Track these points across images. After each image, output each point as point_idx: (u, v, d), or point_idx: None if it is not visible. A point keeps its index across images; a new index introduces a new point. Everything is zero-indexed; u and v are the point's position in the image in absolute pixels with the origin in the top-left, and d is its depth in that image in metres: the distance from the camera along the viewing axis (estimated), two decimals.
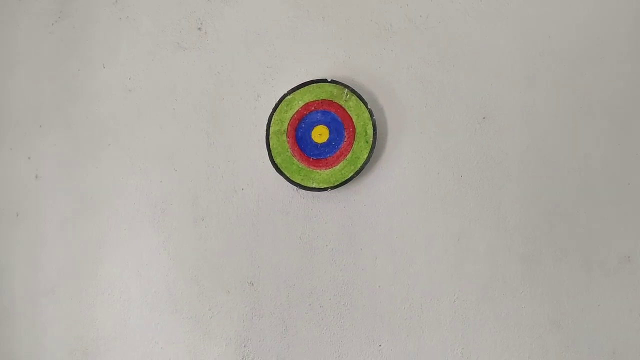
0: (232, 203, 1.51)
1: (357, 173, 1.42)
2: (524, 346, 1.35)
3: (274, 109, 1.47)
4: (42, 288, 1.61)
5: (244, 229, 1.50)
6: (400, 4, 1.45)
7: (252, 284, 1.49)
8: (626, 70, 1.34)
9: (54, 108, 1.64)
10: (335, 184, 1.43)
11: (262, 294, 1.48)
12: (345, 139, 1.44)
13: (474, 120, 1.40)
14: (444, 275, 1.39)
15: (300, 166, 1.46)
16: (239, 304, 1.49)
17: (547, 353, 1.34)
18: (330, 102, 1.45)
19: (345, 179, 1.43)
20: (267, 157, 1.47)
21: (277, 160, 1.47)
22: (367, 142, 1.42)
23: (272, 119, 1.47)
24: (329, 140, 1.45)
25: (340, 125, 1.44)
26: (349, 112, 1.43)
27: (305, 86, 1.45)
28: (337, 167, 1.44)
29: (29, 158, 1.65)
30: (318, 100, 1.45)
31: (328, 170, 1.44)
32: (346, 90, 1.43)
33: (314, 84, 1.45)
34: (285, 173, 1.46)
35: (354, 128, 1.43)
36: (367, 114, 1.42)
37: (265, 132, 1.48)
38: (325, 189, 1.44)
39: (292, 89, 1.46)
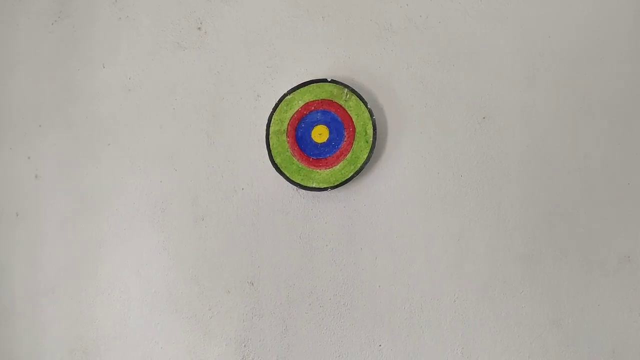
0: (232, 203, 1.51)
1: (357, 173, 1.42)
2: (524, 346, 1.35)
3: (274, 109, 1.47)
4: (42, 288, 1.61)
5: (244, 228, 1.50)
6: (400, 4, 1.45)
7: (252, 284, 1.49)
8: (626, 70, 1.34)
9: (54, 108, 1.64)
10: (335, 184, 1.43)
11: (262, 294, 1.48)
12: (345, 139, 1.44)
13: (473, 120, 1.40)
14: (444, 275, 1.39)
15: (300, 166, 1.46)
16: (239, 304, 1.49)
17: (547, 353, 1.34)
18: (330, 102, 1.44)
19: (345, 178, 1.42)
20: (267, 157, 1.47)
21: (277, 160, 1.46)
22: (367, 142, 1.42)
23: (272, 119, 1.47)
24: (329, 140, 1.45)
25: (340, 125, 1.44)
26: (349, 112, 1.43)
27: (305, 86, 1.45)
28: (337, 167, 1.44)
29: (28, 158, 1.65)
30: (318, 100, 1.45)
31: (328, 170, 1.44)
32: (346, 90, 1.43)
33: (314, 84, 1.45)
34: (285, 173, 1.46)
35: (354, 128, 1.43)
36: (367, 114, 1.42)
37: (265, 132, 1.48)
38: (325, 189, 1.43)
39: (292, 88, 1.46)
